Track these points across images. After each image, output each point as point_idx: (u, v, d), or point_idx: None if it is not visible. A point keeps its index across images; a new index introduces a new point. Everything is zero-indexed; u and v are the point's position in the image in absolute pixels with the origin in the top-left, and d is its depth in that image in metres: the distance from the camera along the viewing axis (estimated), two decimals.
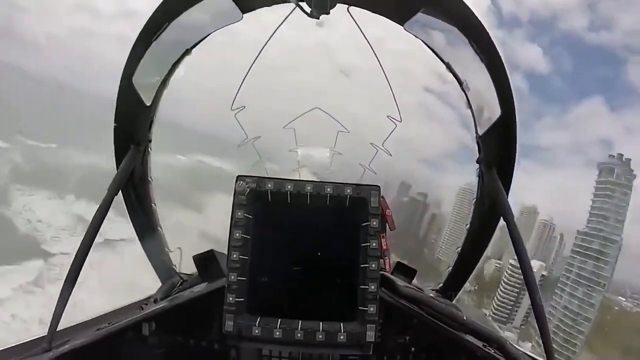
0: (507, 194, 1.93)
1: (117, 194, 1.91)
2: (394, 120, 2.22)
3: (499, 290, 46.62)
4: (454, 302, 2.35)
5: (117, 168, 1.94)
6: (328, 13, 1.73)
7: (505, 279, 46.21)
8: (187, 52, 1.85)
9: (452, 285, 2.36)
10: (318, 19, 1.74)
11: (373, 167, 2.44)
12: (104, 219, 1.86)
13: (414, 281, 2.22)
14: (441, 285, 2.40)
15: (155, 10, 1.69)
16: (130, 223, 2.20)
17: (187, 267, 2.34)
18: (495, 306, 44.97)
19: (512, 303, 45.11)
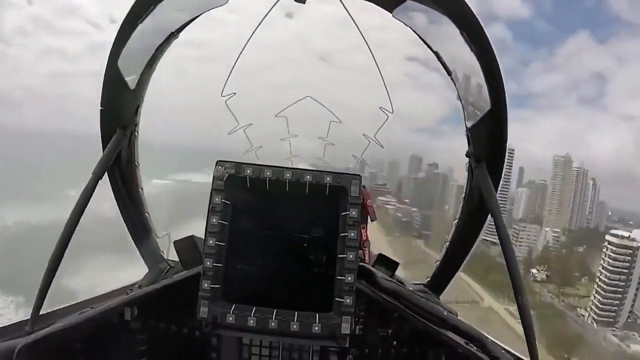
0: (497, 188, 1.89)
1: (102, 177, 1.90)
2: (386, 112, 2.18)
3: (598, 279, 40.14)
4: (440, 296, 2.34)
5: (103, 151, 1.93)
6: None
7: (605, 263, 39.42)
8: (173, 35, 1.83)
9: (440, 279, 2.33)
10: (304, 3, 1.71)
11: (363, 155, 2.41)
12: (88, 201, 1.86)
13: (400, 274, 2.20)
14: (429, 279, 2.37)
15: None
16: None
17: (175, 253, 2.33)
18: (598, 302, 39.02)
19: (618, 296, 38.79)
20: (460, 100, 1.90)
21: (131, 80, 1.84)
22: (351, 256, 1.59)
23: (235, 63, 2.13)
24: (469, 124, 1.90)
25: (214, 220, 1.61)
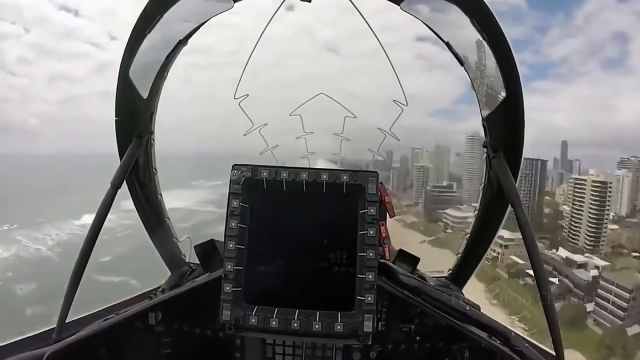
0: (516, 178, 1.85)
1: (120, 186, 1.94)
2: (400, 105, 2.15)
3: None
4: (463, 289, 2.31)
5: (120, 160, 1.97)
6: None
7: None
8: (181, 43, 1.84)
9: (462, 272, 2.31)
10: (310, 2, 1.70)
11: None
12: (108, 210, 1.90)
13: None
14: (450, 271, 2.35)
15: (147, 4, 1.69)
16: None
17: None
18: None
19: None
20: (475, 90, 1.86)
21: (143, 89, 1.86)
22: (371, 254, 1.58)
23: (245, 66, 2.15)
24: (485, 114, 1.86)
25: (233, 224, 1.63)
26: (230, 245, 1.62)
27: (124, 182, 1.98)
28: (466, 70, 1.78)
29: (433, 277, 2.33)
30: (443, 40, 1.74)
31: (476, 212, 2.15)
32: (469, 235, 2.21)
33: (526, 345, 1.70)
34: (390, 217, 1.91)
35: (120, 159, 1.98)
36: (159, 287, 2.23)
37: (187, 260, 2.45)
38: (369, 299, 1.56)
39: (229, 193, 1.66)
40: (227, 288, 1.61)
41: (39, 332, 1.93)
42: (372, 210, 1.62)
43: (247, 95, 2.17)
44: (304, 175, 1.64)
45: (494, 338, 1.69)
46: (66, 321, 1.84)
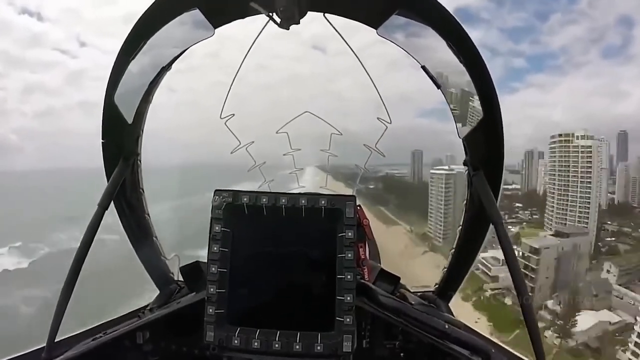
0: (497, 196, 1.88)
1: (107, 208, 1.97)
2: (384, 122, 2.18)
3: None
4: (449, 303, 2.34)
5: (107, 181, 2.00)
6: (298, 23, 1.72)
7: None
8: (165, 69, 1.88)
9: (448, 286, 2.34)
10: (288, 29, 1.73)
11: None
12: (96, 232, 1.93)
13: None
14: (437, 286, 2.38)
15: (131, 30, 1.74)
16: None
17: None
18: None
19: None
20: (452, 111, 1.89)
21: (128, 114, 1.90)
22: (349, 276, 1.61)
23: (230, 87, 2.17)
24: (463, 134, 1.89)
25: (215, 248, 1.66)
26: (213, 269, 1.65)
27: (112, 203, 2.01)
28: (443, 93, 1.81)
29: (419, 292, 2.36)
30: (420, 64, 1.77)
31: (459, 228, 2.18)
32: (453, 250, 2.24)
33: (505, 359, 1.73)
34: (369, 239, 1.94)
35: (108, 180, 2.02)
36: (147, 306, 2.25)
37: (175, 279, 2.47)
38: (348, 320, 1.59)
39: (211, 218, 1.69)
40: (210, 310, 1.64)
41: (27, 351, 1.96)
42: (349, 234, 1.65)
43: (233, 114, 2.20)
44: (283, 201, 1.67)
45: (475, 356, 1.71)
46: (55, 340, 1.87)
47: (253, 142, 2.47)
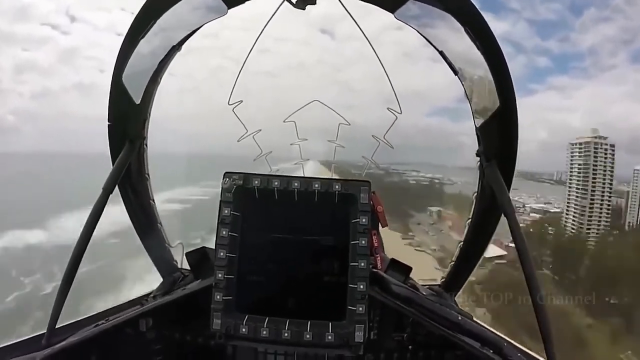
0: (509, 187, 1.86)
1: (112, 191, 1.93)
2: (394, 112, 2.15)
3: None
4: (456, 297, 2.31)
5: (113, 165, 1.96)
6: (314, 3, 1.68)
7: None
8: (175, 48, 1.83)
9: (455, 279, 2.32)
10: (304, 9, 1.70)
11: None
12: (100, 216, 1.89)
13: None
14: (444, 279, 2.35)
15: (140, 9, 1.69)
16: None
17: None
18: None
19: None
20: (469, 99, 1.86)
21: (136, 95, 1.85)
22: (362, 264, 1.58)
23: (240, 72, 2.13)
24: (478, 123, 1.87)
25: (224, 232, 1.62)
26: (221, 254, 1.61)
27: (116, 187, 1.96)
28: (460, 80, 1.78)
29: (426, 285, 2.33)
30: (437, 50, 1.74)
31: (469, 220, 2.16)
32: (462, 243, 2.22)
33: (519, 355, 1.70)
34: (382, 227, 1.91)
35: (113, 164, 1.97)
36: (150, 293, 2.21)
37: (179, 267, 2.43)
38: (360, 309, 1.56)
39: (220, 201, 1.65)
40: (218, 297, 1.60)
41: (28, 337, 1.91)
42: (363, 220, 1.61)
43: (242, 101, 2.16)
44: (296, 184, 1.63)
45: (486, 348, 1.69)
46: (56, 327, 1.82)
47: (260, 130, 2.44)
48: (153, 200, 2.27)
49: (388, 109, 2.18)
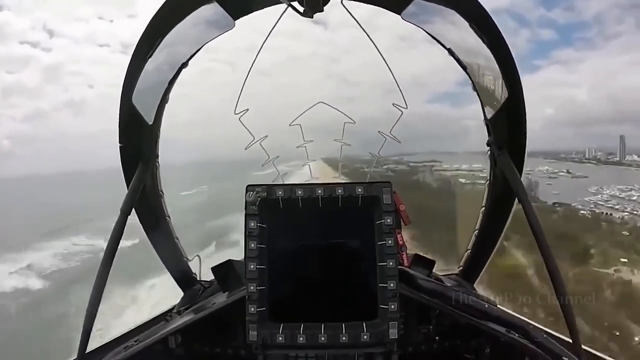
0: (521, 174, 1.90)
1: (130, 213, 1.91)
2: (400, 108, 2.17)
3: None
4: (475, 284, 2.37)
5: (127, 187, 1.94)
6: (322, 10, 1.68)
7: None
8: (183, 66, 1.82)
9: (472, 267, 2.36)
10: (312, 17, 1.70)
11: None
12: (120, 238, 1.87)
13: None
14: (461, 268, 2.40)
15: (146, 28, 1.66)
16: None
17: (207, 274, 2.37)
18: None
19: None
20: (477, 92, 1.89)
21: (148, 115, 1.84)
22: (391, 263, 1.61)
23: (245, 80, 2.12)
24: (488, 115, 1.90)
25: (252, 245, 1.64)
26: (251, 267, 1.63)
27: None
28: (469, 75, 1.81)
29: (443, 275, 2.38)
30: (445, 47, 1.77)
31: (483, 208, 2.20)
32: (477, 231, 2.26)
33: (544, 336, 1.75)
34: (406, 225, 1.94)
35: (127, 184, 1.95)
36: (172, 309, 2.21)
37: (198, 279, 2.44)
38: (392, 306, 1.60)
39: (245, 214, 1.66)
40: (252, 309, 1.62)
41: None
42: (388, 220, 1.64)
43: (247, 109, 2.15)
44: (320, 192, 1.65)
45: (512, 332, 1.74)
46: (86, 351, 1.82)
47: (267, 136, 2.44)
48: (168, 217, 2.26)
49: (393, 104, 2.21)
